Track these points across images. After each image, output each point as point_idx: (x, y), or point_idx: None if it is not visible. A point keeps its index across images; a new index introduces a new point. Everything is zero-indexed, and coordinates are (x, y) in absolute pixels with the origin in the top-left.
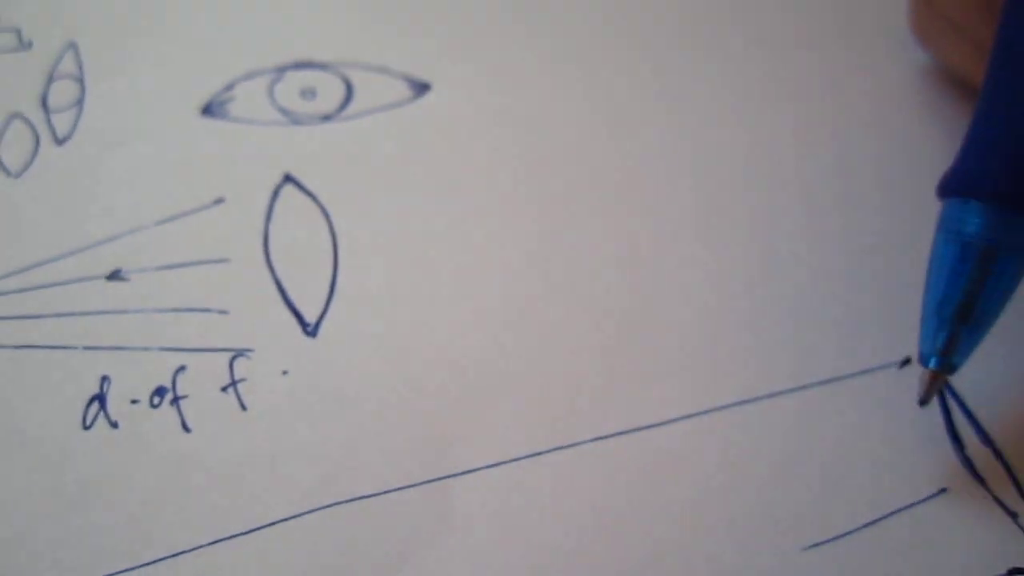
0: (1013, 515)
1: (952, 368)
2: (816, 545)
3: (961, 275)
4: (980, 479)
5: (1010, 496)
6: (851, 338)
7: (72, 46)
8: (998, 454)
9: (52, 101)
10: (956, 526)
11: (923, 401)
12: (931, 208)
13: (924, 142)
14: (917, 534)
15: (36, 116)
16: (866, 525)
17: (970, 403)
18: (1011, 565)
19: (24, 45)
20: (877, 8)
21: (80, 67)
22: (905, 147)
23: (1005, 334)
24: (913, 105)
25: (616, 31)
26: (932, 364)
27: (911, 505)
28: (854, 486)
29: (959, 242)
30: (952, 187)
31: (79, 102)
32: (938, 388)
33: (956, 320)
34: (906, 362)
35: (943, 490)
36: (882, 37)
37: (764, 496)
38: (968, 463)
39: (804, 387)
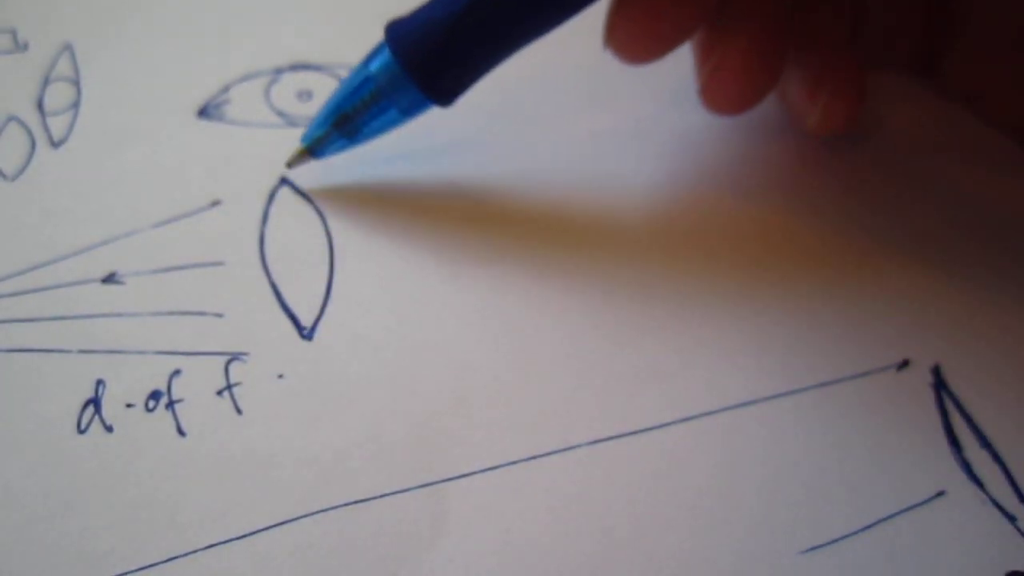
0: (1011, 518)
1: (316, 155)
2: (814, 548)
3: (353, 96)
4: (978, 482)
5: (1008, 499)
6: (849, 341)
7: (68, 48)
8: (996, 457)
9: (48, 104)
10: (954, 529)
11: (288, 163)
12: (926, 212)
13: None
14: (915, 537)
15: (32, 119)
16: (864, 528)
17: (968, 406)
18: (1009, 568)
19: (20, 47)
20: None
21: (76, 70)
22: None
23: (1004, 337)
24: None
25: None
26: (305, 142)
27: (909, 508)
28: (852, 489)
29: (364, 73)
30: (388, 28)
31: (75, 105)
32: (301, 162)
33: (334, 125)
34: (904, 365)
35: (941, 493)
36: None
37: (761, 499)
38: (966, 465)
39: (802, 390)
